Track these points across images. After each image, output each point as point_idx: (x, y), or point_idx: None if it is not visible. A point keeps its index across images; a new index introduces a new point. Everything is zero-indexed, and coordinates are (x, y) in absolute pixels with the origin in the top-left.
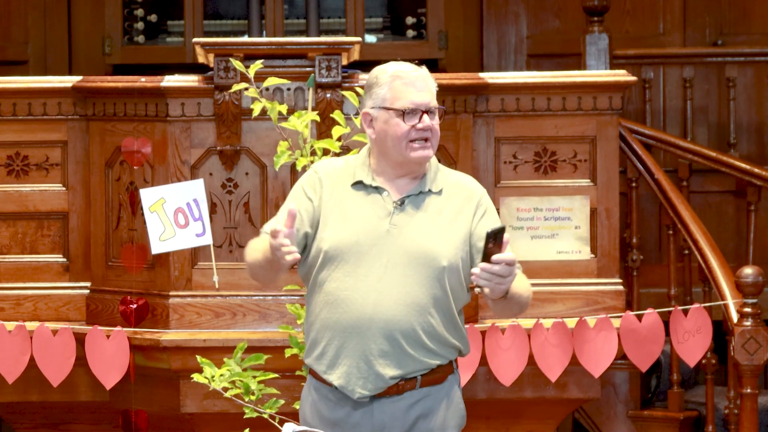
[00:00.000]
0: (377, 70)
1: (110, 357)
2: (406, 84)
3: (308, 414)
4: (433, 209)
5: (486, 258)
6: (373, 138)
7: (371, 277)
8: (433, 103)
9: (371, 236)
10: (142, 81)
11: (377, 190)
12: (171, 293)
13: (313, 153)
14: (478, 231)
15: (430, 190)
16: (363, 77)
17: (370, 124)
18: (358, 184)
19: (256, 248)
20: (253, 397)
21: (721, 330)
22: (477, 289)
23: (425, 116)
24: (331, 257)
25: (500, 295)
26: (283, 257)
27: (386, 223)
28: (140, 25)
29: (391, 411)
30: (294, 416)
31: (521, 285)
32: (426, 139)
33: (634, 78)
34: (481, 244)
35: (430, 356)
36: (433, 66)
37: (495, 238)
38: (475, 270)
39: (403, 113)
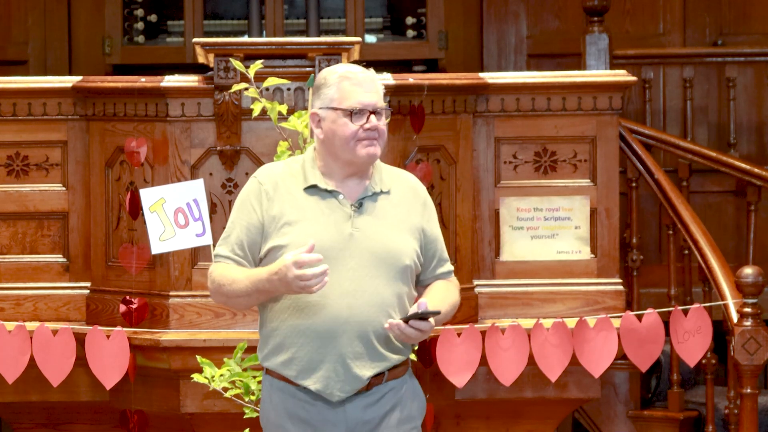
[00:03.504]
0: (325, 72)
1: (110, 357)
2: (353, 84)
3: (272, 416)
4: (386, 209)
5: (405, 319)
6: (321, 138)
7: (342, 281)
8: (380, 103)
9: (336, 240)
10: (142, 81)
11: (332, 193)
12: (171, 293)
13: None
14: (427, 231)
15: (381, 191)
16: None
17: (318, 124)
18: (312, 188)
19: (237, 278)
20: (253, 397)
21: (721, 330)
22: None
23: (372, 116)
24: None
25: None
26: (310, 288)
27: (348, 226)
28: (140, 25)
29: (362, 407)
30: None
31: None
32: (373, 139)
33: (634, 78)
34: (425, 249)
35: (397, 352)
36: (433, 66)
37: (425, 317)
38: (392, 320)
39: (351, 113)
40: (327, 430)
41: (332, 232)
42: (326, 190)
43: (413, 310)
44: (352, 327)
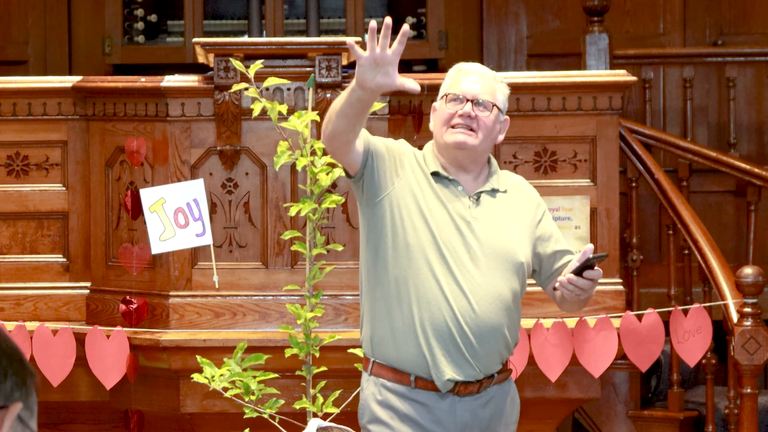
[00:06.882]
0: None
1: (110, 357)
2: (461, 74)
3: (378, 414)
4: (503, 207)
5: (576, 272)
6: (432, 129)
7: (459, 272)
8: (484, 96)
9: (455, 229)
10: (142, 81)
11: (452, 182)
12: (171, 293)
13: (313, 153)
14: (538, 233)
15: (498, 189)
16: None
17: (434, 117)
18: (435, 175)
19: (341, 96)
20: (253, 397)
21: (721, 330)
22: (558, 293)
23: (468, 104)
24: (415, 251)
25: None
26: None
27: (468, 216)
28: (140, 25)
29: (472, 409)
30: (293, 416)
31: None
32: (471, 129)
33: (634, 78)
34: (543, 247)
35: (507, 352)
36: (433, 66)
37: (592, 264)
38: (562, 278)
39: (452, 98)
40: (437, 431)
41: (453, 221)
42: (447, 178)
43: (574, 261)
44: (470, 320)
